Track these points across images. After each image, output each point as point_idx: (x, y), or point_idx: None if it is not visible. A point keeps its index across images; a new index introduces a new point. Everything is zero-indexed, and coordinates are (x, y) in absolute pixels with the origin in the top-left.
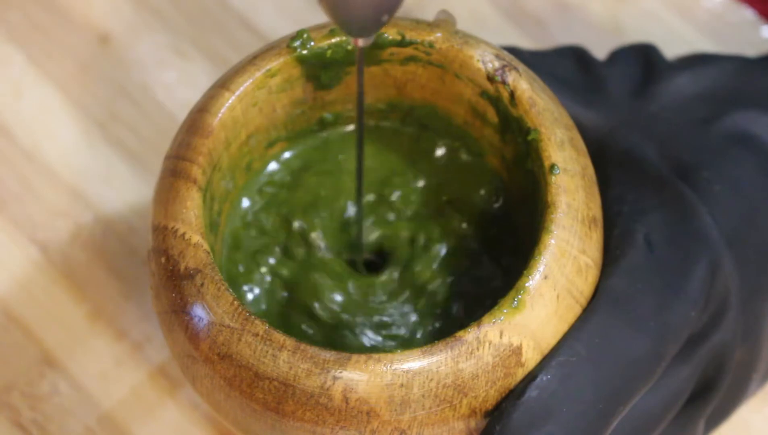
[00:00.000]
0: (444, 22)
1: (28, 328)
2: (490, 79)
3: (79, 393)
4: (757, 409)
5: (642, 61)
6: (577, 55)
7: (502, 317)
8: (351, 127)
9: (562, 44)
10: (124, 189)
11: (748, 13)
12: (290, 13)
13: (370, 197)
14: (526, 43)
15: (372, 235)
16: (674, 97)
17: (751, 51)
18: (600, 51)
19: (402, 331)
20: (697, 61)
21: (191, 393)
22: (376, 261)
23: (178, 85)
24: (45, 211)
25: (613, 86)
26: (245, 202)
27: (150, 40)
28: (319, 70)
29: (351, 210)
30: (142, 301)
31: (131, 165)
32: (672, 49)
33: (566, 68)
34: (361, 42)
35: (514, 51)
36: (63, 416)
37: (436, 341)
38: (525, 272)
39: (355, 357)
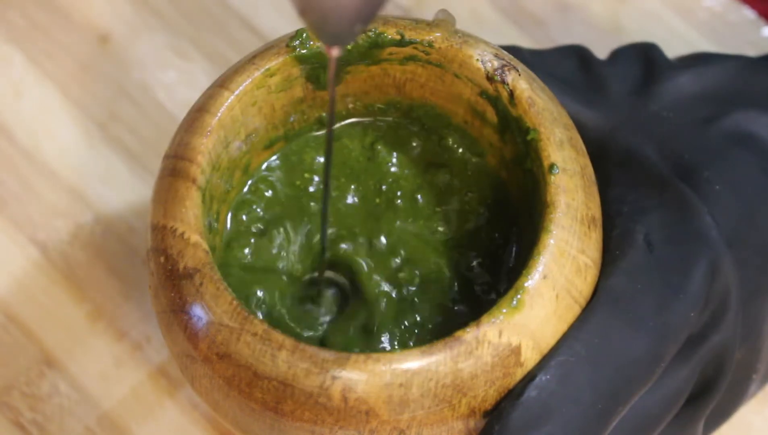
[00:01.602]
0: (443, 21)
1: (28, 328)
2: (490, 78)
3: (79, 393)
4: (758, 409)
5: (643, 60)
6: (578, 55)
7: (501, 317)
8: (355, 125)
9: (562, 44)
10: (124, 189)
11: (748, 13)
12: (290, 13)
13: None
14: (526, 43)
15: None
16: (675, 96)
17: (751, 51)
18: (600, 51)
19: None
20: (698, 61)
21: (191, 393)
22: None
23: (178, 85)
24: (45, 211)
25: (614, 86)
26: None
27: (150, 40)
28: (319, 69)
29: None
30: (142, 301)
31: (131, 165)
32: (672, 49)
33: (567, 67)
34: (334, 52)
35: (514, 50)
36: (63, 416)
37: (435, 341)
38: (524, 272)
39: (354, 356)
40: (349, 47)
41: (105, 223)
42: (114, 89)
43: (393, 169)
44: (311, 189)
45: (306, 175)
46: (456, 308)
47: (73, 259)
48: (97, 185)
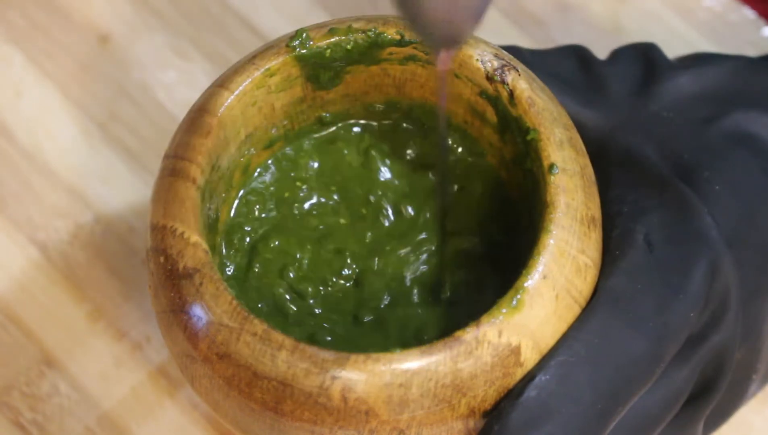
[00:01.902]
0: None
1: (28, 328)
2: (489, 78)
3: (79, 393)
4: (758, 409)
5: (643, 60)
6: (578, 55)
7: (501, 317)
8: (353, 127)
9: (562, 44)
10: (124, 189)
11: (748, 13)
12: (290, 13)
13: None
14: (526, 43)
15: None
16: (675, 96)
17: (751, 51)
18: (600, 51)
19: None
20: (698, 61)
21: (191, 393)
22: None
23: (178, 85)
24: (45, 211)
25: (614, 86)
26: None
27: (150, 40)
28: (318, 69)
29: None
30: (142, 301)
31: (131, 165)
32: (672, 49)
33: (567, 67)
34: (446, 55)
35: (514, 50)
36: (63, 416)
37: (434, 341)
38: (524, 272)
39: (353, 356)
40: (348, 47)
41: (105, 223)
42: (114, 89)
43: (387, 174)
44: (301, 194)
45: (298, 184)
46: (455, 308)
47: (73, 259)
48: (97, 185)
